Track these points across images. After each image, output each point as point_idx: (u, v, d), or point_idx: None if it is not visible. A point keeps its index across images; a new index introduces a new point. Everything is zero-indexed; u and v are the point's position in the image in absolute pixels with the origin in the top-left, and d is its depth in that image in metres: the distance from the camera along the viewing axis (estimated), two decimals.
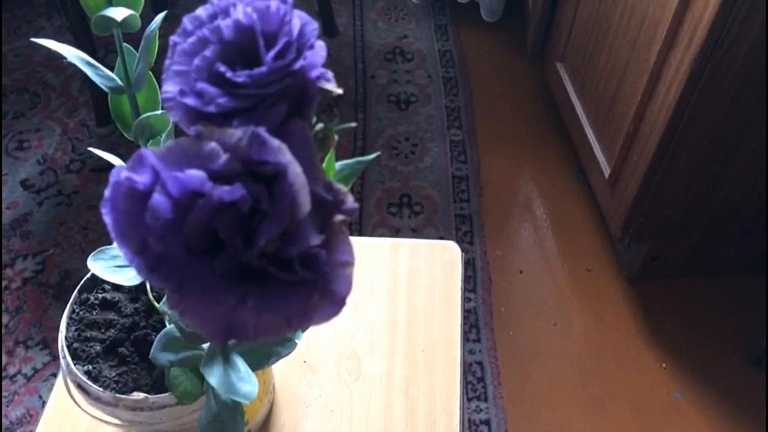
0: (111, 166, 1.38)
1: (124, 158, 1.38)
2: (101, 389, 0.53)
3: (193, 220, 0.23)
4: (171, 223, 0.23)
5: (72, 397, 0.56)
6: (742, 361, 1.29)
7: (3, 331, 1.37)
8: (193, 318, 0.24)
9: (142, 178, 0.24)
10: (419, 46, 1.94)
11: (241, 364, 0.46)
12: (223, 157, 0.23)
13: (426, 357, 0.69)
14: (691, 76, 1.02)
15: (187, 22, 0.26)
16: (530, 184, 1.62)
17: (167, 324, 0.57)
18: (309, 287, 0.23)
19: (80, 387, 0.54)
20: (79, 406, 0.56)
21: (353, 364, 0.69)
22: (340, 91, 0.26)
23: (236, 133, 0.23)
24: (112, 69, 0.51)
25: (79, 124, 1.75)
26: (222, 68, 0.25)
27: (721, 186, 1.20)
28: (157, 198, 0.23)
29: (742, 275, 1.39)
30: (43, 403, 1.27)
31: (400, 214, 1.53)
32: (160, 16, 0.45)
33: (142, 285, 0.59)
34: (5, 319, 1.38)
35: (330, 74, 0.27)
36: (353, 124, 0.27)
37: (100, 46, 1.89)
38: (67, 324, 0.57)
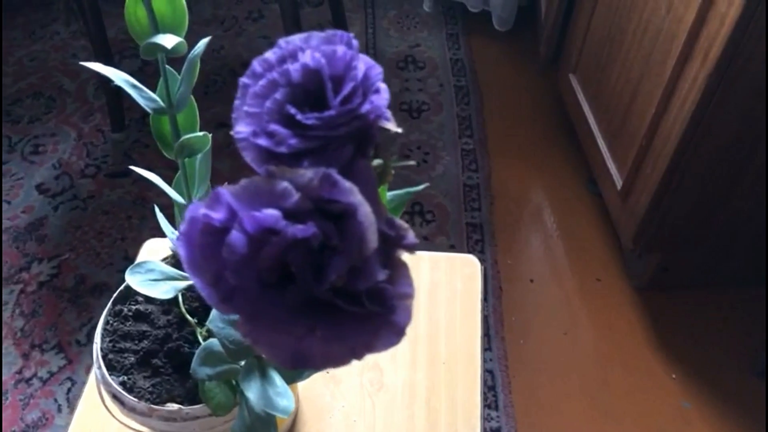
0: (126, 171, 1.41)
1: (137, 163, 1.40)
2: (136, 400, 0.54)
3: (267, 255, 0.25)
4: (245, 258, 0.25)
5: (106, 407, 0.57)
6: (750, 372, 1.30)
7: (19, 334, 1.38)
8: (264, 346, 0.25)
9: (218, 215, 0.25)
10: (431, 55, 1.95)
11: (277, 378, 0.48)
12: (295, 196, 0.25)
13: (447, 369, 0.71)
14: (705, 91, 1.03)
15: (256, 64, 0.28)
16: (541, 193, 1.64)
17: (199, 337, 0.59)
18: (375, 319, 0.25)
19: (115, 397, 0.56)
20: (114, 416, 0.57)
21: (376, 375, 0.71)
22: (399, 129, 0.28)
23: (307, 174, 0.25)
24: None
25: (94, 129, 1.77)
26: (292, 110, 0.26)
27: (732, 199, 1.21)
28: (235, 235, 0.24)
29: (751, 287, 1.40)
30: (59, 407, 1.29)
31: (411, 223, 1.55)
32: (204, 41, 0.47)
33: (174, 297, 0.60)
34: (21, 322, 1.40)
35: (389, 113, 0.28)
36: (412, 162, 0.29)
37: (116, 52, 1.91)
38: (102, 335, 0.59)
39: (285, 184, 0.25)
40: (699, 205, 1.21)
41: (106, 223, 1.57)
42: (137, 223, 1.56)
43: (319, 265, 0.25)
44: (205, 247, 0.25)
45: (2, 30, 2.05)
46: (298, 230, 0.24)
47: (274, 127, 0.26)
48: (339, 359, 0.25)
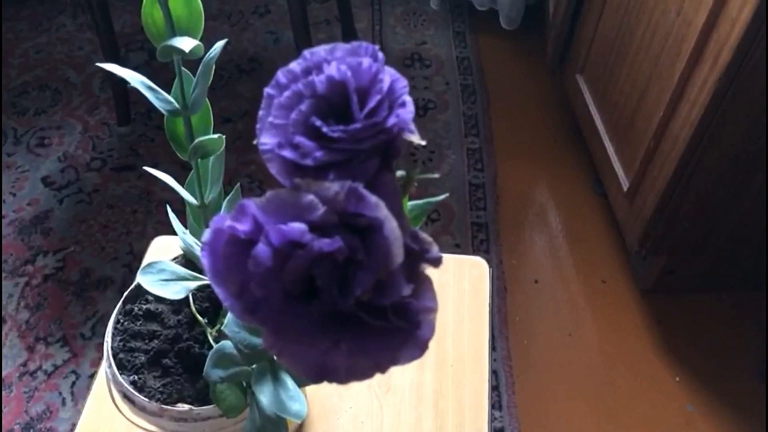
0: (131, 165, 1.41)
1: (143, 158, 1.39)
2: (147, 399, 0.55)
3: (293, 268, 0.25)
4: (271, 271, 0.25)
5: (116, 405, 0.57)
6: (754, 376, 1.30)
7: (24, 327, 1.39)
8: (289, 359, 0.25)
9: (243, 227, 0.25)
10: (438, 53, 1.95)
11: (289, 382, 0.48)
12: (321, 210, 0.25)
13: (455, 371, 0.71)
14: (715, 95, 1.03)
15: (281, 75, 0.28)
16: (546, 193, 1.64)
17: (209, 337, 0.59)
18: (400, 334, 0.25)
19: (126, 397, 0.56)
20: (124, 415, 0.57)
21: (383, 377, 0.71)
22: (423, 142, 0.28)
23: (333, 187, 0.25)
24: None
25: (99, 122, 1.77)
26: (318, 123, 0.26)
27: (739, 203, 1.21)
28: (261, 247, 0.24)
29: (756, 291, 1.40)
30: (63, 400, 1.29)
31: None
32: (220, 43, 0.47)
33: (185, 297, 0.60)
34: (26, 315, 1.40)
35: (413, 126, 0.28)
36: (436, 175, 0.29)
37: (122, 45, 1.91)
38: (113, 334, 0.59)
39: (311, 197, 0.25)
40: (706, 208, 1.21)
41: (111, 217, 1.57)
42: (142, 217, 1.56)
43: (344, 279, 0.25)
44: (230, 259, 0.25)
45: (9, 21, 2.04)
46: (324, 244, 0.24)
47: (299, 139, 0.26)
48: (363, 373, 0.25)
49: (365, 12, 2.07)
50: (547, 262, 1.50)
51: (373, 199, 0.24)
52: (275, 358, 0.25)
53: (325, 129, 0.26)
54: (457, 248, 1.50)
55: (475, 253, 1.50)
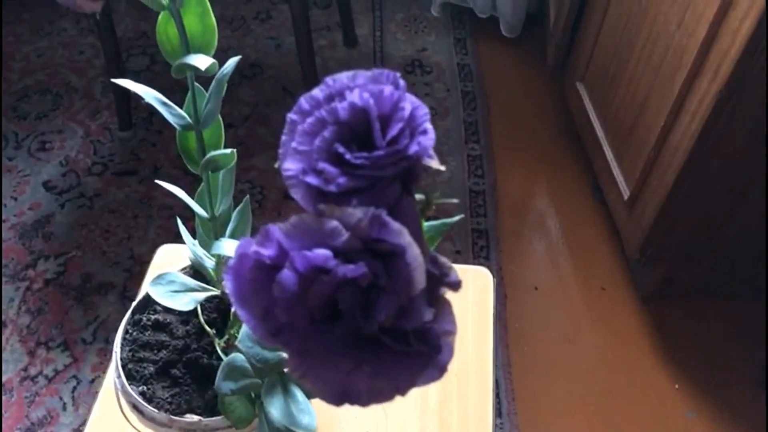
0: (133, 170, 1.42)
1: (144, 162, 1.39)
2: (156, 410, 0.55)
3: (317, 293, 0.25)
4: (295, 295, 0.25)
5: (125, 415, 0.58)
6: (754, 383, 1.31)
7: (25, 332, 1.39)
8: (312, 381, 0.26)
9: (268, 252, 0.26)
10: (438, 59, 1.96)
11: (299, 394, 0.48)
12: (345, 236, 0.25)
13: (459, 381, 0.71)
14: (715, 108, 1.04)
15: (303, 101, 0.28)
16: (546, 200, 1.64)
17: (217, 348, 0.59)
18: (421, 357, 0.25)
19: (134, 407, 0.56)
20: (132, 426, 0.58)
21: None
22: (443, 168, 0.28)
23: (357, 213, 0.25)
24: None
25: (101, 127, 1.77)
26: (341, 149, 0.27)
27: (739, 212, 1.22)
28: (286, 273, 0.25)
29: (756, 299, 1.41)
30: (64, 405, 1.29)
31: None
32: (234, 60, 0.47)
33: (193, 308, 0.61)
34: (27, 319, 1.41)
35: (432, 151, 0.29)
36: (455, 200, 0.29)
37: (124, 49, 1.91)
38: (122, 344, 0.59)
39: (335, 223, 0.25)
40: (706, 217, 1.22)
41: (112, 222, 1.57)
42: (143, 222, 1.57)
43: (367, 303, 0.26)
44: (254, 283, 0.26)
45: (10, 25, 2.05)
46: (349, 270, 0.25)
47: (323, 165, 0.26)
48: (384, 395, 0.26)
49: (366, 18, 2.07)
50: (546, 269, 1.51)
51: (396, 225, 0.25)
52: (299, 380, 0.26)
53: (348, 156, 0.26)
54: (458, 255, 1.51)
55: (475, 259, 1.51)
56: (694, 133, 1.09)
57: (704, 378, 1.32)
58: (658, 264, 1.35)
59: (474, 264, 1.48)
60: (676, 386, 1.31)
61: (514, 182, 1.67)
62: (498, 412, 1.28)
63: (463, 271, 0.81)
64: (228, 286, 0.27)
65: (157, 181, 0.55)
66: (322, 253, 0.25)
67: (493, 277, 1.51)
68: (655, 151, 1.22)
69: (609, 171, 1.43)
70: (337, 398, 0.26)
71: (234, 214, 0.57)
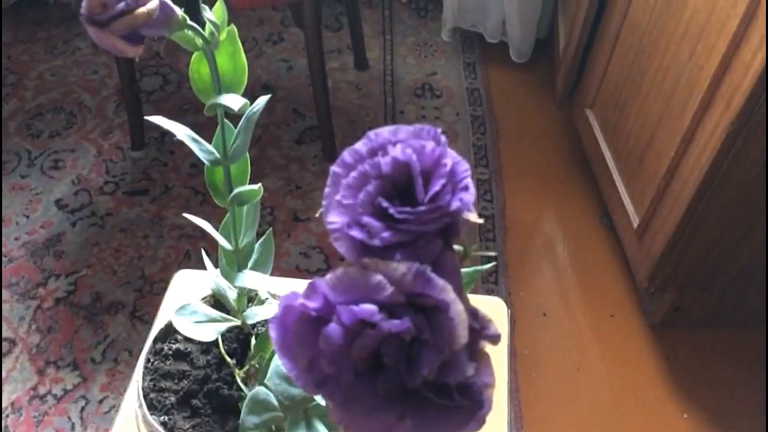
0: (145, 189, 1.43)
1: (156, 182, 1.40)
2: None
3: (361, 346, 0.26)
4: (341, 348, 0.26)
5: None
6: (762, 413, 1.30)
7: (35, 351, 1.39)
8: None
9: (314, 305, 0.27)
10: (448, 83, 1.97)
11: (322, 429, 0.49)
12: (389, 290, 0.26)
13: None
14: (726, 140, 1.05)
15: (347, 155, 0.29)
16: (555, 225, 1.65)
17: (237, 379, 0.60)
18: (462, 411, 0.26)
19: None
20: None
21: None
22: (481, 221, 0.29)
23: (401, 268, 0.26)
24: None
25: (113, 146, 1.79)
26: (385, 204, 0.27)
27: (748, 243, 1.22)
28: (333, 327, 0.26)
29: (765, 328, 1.41)
30: (72, 425, 1.29)
31: None
32: (264, 99, 0.48)
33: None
34: (37, 338, 1.41)
35: (471, 205, 0.29)
36: (493, 253, 0.30)
37: (137, 69, 1.93)
38: (143, 374, 0.60)
39: (379, 277, 0.26)
40: (715, 247, 1.22)
41: (123, 241, 1.58)
42: (154, 242, 1.58)
43: (410, 357, 0.26)
44: (299, 335, 0.27)
45: (25, 44, 2.07)
46: (394, 325, 0.25)
47: (367, 219, 0.27)
48: None
49: (377, 41, 2.10)
50: (555, 295, 1.51)
51: (440, 282, 0.26)
52: (341, 429, 0.26)
53: (392, 210, 0.27)
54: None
55: (483, 284, 1.51)
56: (704, 165, 1.10)
57: (713, 407, 1.31)
58: (667, 292, 1.35)
59: (483, 289, 1.49)
60: (685, 415, 1.30)
61: (523, 207, 1.67)
62: None
63: (476, 301, 0.81)
64: (273, 336, 0.27)
65: (185, 215, 0.55)
66: (368, 308, 0.25)
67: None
68: (665, 181, 1.22)
69: (618, 198, 1.44)
70: None
71: (257, 246, 0.58)
